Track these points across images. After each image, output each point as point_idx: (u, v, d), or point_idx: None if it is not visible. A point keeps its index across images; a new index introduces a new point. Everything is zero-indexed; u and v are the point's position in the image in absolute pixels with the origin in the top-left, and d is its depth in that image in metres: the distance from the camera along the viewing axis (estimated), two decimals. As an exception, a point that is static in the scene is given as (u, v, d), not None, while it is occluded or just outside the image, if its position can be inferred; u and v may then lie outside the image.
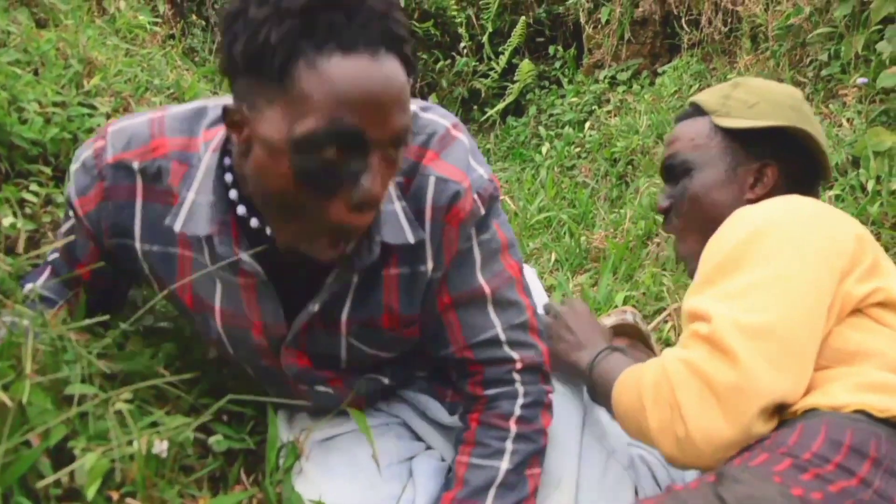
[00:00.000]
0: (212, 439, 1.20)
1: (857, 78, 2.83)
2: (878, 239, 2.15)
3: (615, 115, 4.24)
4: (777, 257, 1.09)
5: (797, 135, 1.35)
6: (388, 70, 0.88)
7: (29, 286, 1.19)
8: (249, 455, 1.31)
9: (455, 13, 5.20)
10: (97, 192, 1.10)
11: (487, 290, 1.18)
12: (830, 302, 1.08)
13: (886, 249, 2.10)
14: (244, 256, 1.04)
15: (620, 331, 1.81)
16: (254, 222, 1.04)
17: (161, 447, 0.99)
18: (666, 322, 2.24)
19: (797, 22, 3.49)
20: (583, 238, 2.96)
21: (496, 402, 1.22)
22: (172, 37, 2.39)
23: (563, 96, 4.77)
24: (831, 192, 2.43)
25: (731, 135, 1.37)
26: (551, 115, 4.67)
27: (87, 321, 1.04)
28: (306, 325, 1.14)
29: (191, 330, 1.37)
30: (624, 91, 4.42)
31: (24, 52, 1.63)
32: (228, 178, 1.04)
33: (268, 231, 1.04)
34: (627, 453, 1.41)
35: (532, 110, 4.85)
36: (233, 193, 1.04)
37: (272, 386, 1.27)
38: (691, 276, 1.41)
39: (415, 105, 1.11)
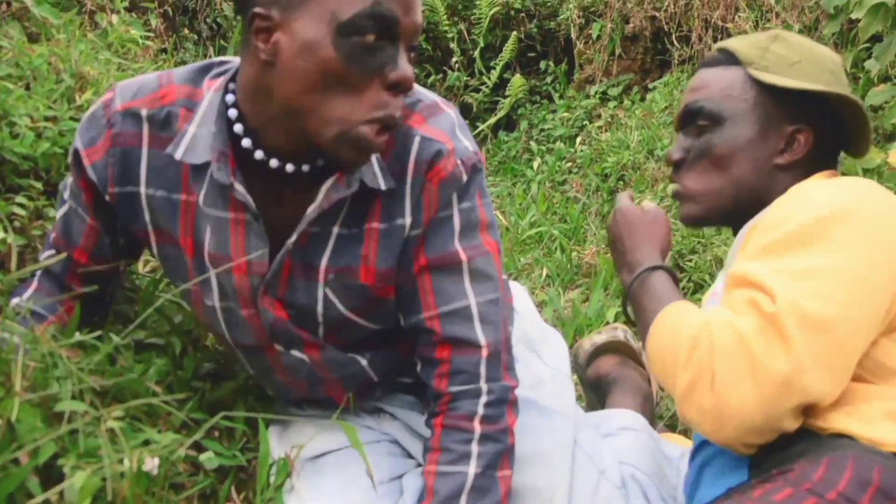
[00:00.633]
0: (202, 456, 1.19)
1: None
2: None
3: (606, 131, 4.25)
4: (852, 248, 1.02)
5: (842, 103, 1.25)
6: None
7: (15, 300, 1.20)
8: (241, 471, 1.30)
9: (447, 28, 5.22)
10: (105, 139, 1.14)
11: (464, 257, 1.17)
12: (888, 308, 1.03)
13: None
14: (237, 185, 1.08)
15: (611, 348, 1.81)
16: (258, 154, 1.08)
17: (152, 464, 0.99)
18: (657, 338, 2.23)
19: (787, 39, 3.51)
20: (574, 253, 2.96)
21: (459, 401, 1.19)
22: (165, 51, 2.40)
23: (554, 111, 4.79)
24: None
25: (768, 91, 1.26)
26: (542, 130, 4.68)
27: (78, 338, 1.04)
28: (287, 267, 1.16)
29: (181, 344, 1.37)
30: (615, 106, 4.44)
31: (16, 66, 1.62)
32: (232, 113, 1.08)
33: (272, 163, 1.08)
34: (619, 472, 1.40)
35: (523, 125, 4.86)
36: (238, 127, 1.08)
37: (250, 355, 1.27)
38: (686, 222, 1.35)
39: None
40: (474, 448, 1.17)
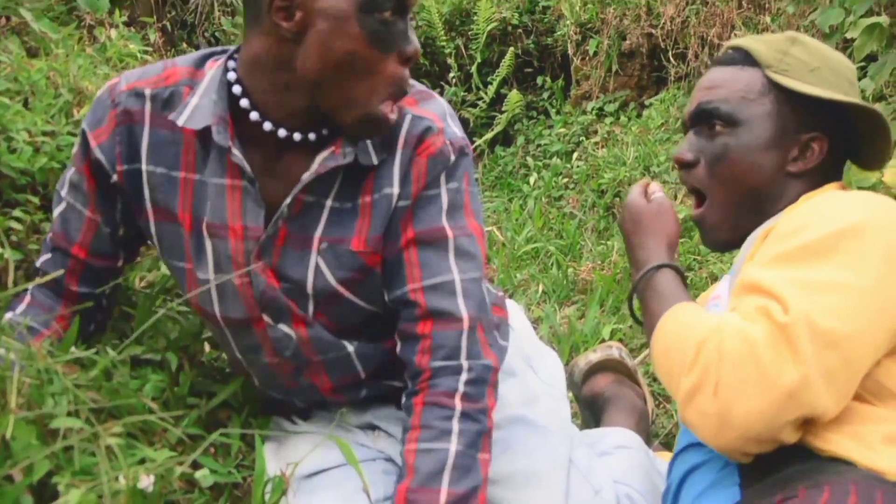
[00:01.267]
0: (198, 474, 1.18)
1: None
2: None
3: (602, 147, 4.26)
4: (867, 265, 1.00)
5: (862, 114, 1.23)
6: None
7: (9, 315, 1.21)
8: (236, 488, 1.30)
9: (444, 43, 5.23)
10: (110, 120, 1.19)
11: (450, 233, 1.20)
12: None
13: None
14: (234, 150, 1.13)
15: (606, 366, 1.82)
16: (267, 125, 1.13)
17: (147, 482, 0.99)
18: (653, 355, 2.24)
19: (782, 57, 3.53)
20: (570, 270, 2.97)
21: (439, 377, 1.19)
22: (163, 65, 2.40)
23: (550, 127, 4.80)
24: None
25: (786, 96, 1.23)
26: (539, 146, 4.69)
27: (75, 354, 1.04)
28: (283, 236, 1.19)
29: (177, 360, 1.37)
30: (611, 122, 4.45)
31: (15, 81, 1.63)
32: (237, 89, 1.13)
33: (280, 133, 1.13)
34: (614, 491, 1.40)
35: (520, 140, 4.87)
36: (244, 102, 1.13)
37: (239, 333, 1.27)
38: (706, 242, 1.33)
39: None
40: (455, 425, 1.17)
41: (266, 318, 1.24)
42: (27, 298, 1.26)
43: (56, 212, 1.27)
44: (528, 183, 4.28)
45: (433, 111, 1.21)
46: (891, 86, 2.85)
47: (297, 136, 1.15)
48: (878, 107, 2.67)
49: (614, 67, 4.63)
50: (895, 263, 1.02)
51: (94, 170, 1.22)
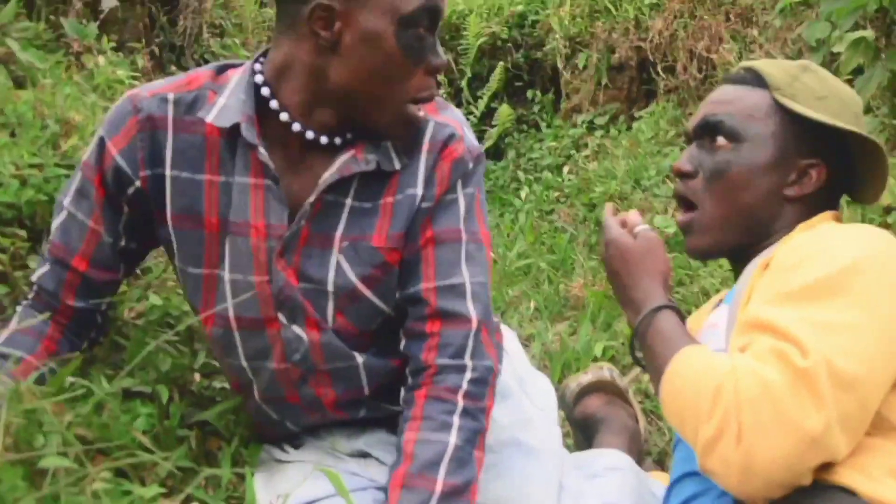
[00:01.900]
0: (187, 510, 1.18)
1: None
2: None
3: (593, 160, 4.27)
4: (876, 303, 1.00)
5: (863, 146, 1.24)
6: None
7: None
8: (226, 522, 1.29)
9: (434, 58, 5.26)
10: (131, 126, 1.20)
11: (465, 236, 1.26)
12: None
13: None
14: (261, 148, 1.16)
15: (598, 387, 1.82)
16: (296, 126, 1.17)
17: (136, 521, 0.98)
18: (645, 372, 2.24)
19: (770, 70, 3.55)
20: (561, 286, 2.97)
21: (444, 374, 1.23)
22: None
23: (541, 140, 4.81)
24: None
25: (791, 120, 1.24)
26: (530, 160, 4.70)
27: (64, 396, 1.04)
28: (305, 236, 1.22)
29: (168, 392, 1.37)
30: (602, 136, 4.46)
31: (1, 113, 1.63)
32: (265, 91, 1.17)
33: (308, 135, 1.18)
34: (605, 517, 1.40)
35: (511, 154, 4.88)
36: (273, 103, 1.17)
37: (249, 335, 1.28)
38: (687, 249, 1.32)
39: None
40: (456, 420, 1.20)
41: (281, 317, 1.25)
42: (13, 320, 1.26)
43: (56, 223, 1.27)
44: (519, 197, 4.29)
45: (454, 119, 1.27)
46: (878, 98, 2.86)
47: (323, 140, 1.20)
48: (867, 120, 2.69)
49: (604, 81, 4.64)
50: None
51: (108, 178, 1.23)
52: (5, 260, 1.44)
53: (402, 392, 1.28)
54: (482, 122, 5.14)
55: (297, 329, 1.26)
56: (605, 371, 1.85)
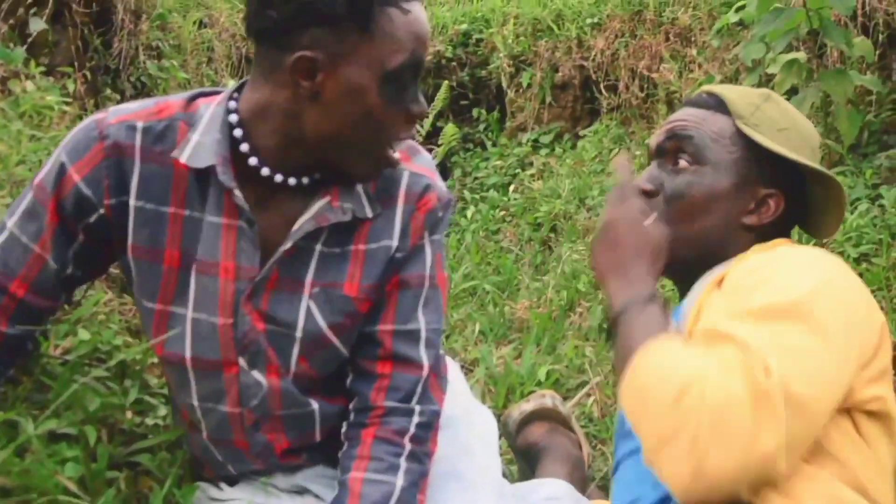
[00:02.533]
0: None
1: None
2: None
3: (538, 179, 4.29)
4: (835, 332, 1.01)
5: (821, 181, 1.25)
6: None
7: None
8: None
9: (379, 77, 5.24)
10: (96, 152, 1.17)
11: (426, 283, 1.27)
12: (845, 392, 1.02)
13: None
14: (237, 191, 1.14)
15: (540, 415, 1.81)
16: (265, 171, 1.16)
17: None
18: (589, 396, 2.24)
19: (709, 90, 3.61)
20: (506, 308, 2.97)
21: (392, 416, 1.24)
22: (85, 115, 2.35)
23: (487, 159, 4.81)
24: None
25: (752, 148, 1.24)
26: (476, 179, 4.70)
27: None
28: (274, 279, 1.20)
29: (96, 433, 1.32)
30: (546, 154, 4.48)
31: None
32: (238, 132, 1.15)
33: (277, 178, 1.17)
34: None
35: (457, 173, 4.88)
36: (244, 146, 1.16)
37: (205, 376, 1.25)
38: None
39: None
40: (403, 463, 1.22)
41: (242, 361, 1.23)
42: None
43: None
44: (465, 216, 4.28)
45: (426, 166, 1.28)
46: (811, 118, 2.92)
47: (292, 181, 1.18)
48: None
49: (548, 99, 4.67)
50: (852, 329, 1.03)
51: (66, 204, 1.18)
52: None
53: (345, 427, 1.27)
54: (428, 141, 5.13)
55: (256, 374, 1.24)
56: (548, 399, 1.85)
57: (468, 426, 1.52)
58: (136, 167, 1.18)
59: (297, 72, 1.09)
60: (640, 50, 4.17)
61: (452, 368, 1.62)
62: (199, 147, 1.15)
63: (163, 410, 1.50)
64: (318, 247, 1.22)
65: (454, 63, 5.28)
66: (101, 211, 1.19)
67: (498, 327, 2.83)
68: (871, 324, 1.07)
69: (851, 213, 2.60)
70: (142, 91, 3.05)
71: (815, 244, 1.93)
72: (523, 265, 3.47)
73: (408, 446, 1.23)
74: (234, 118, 1.17)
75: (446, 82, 5.11)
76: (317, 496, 1.37)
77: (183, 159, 1.15)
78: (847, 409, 1.05)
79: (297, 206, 1.20)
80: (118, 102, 2.99)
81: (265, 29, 1.10)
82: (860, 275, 2.07)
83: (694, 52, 3.85)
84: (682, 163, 1.26)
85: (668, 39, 4.06)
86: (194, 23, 3.65)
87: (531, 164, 4.50)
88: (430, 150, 5.06)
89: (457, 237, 4.06)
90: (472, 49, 5.27)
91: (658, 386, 0.99)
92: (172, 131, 1.18)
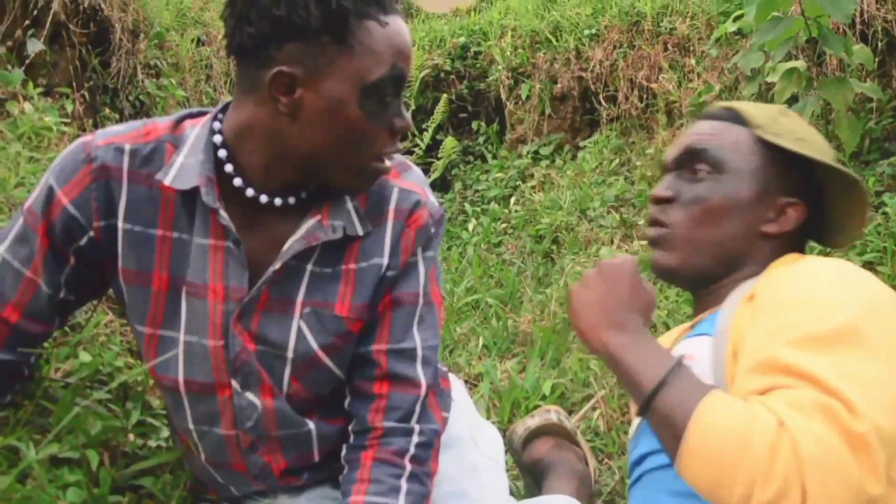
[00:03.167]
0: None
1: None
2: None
3: (539, 191, 4.29)
4: (889, 349, 0.97)
5: (845, 187, 1.23)
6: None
7: None
8: None
9: (378, 91, 5.24)
10: (84, 175, 1.15)
11: (421, 301, 1.25)
12: None
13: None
14: (222, 211, 1.13)
15: (546, 431, 1.80)
16: (249, 192, 1.15)
17: None
18: (594, 410, 2.23)
19: (709, 99, 3.61)
20: (510, 321, 2.95)
21: (391, 437, 1.22)
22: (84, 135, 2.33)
23: (487, 171, 4.82)
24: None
25: (773, 157, 1.23)
26: (476, 191, 4.70)
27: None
28: (264, 299, 1.19)
29: (98, 457, 1.31)
30: (547, 166, 4.48)
31: (-81, 169, 1.56)
32: (222, 153, 1.15)
33: (248, 192, 1.15)
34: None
35: (458, 186, 4.88)
36: (228, 167, 1.14)
37: (199, 399, 1.24)
38: (653, 265, 1.28)
39: None
40: (404, 484, 1.19)
41: (235, 384, 1.21)
42: None
43: None
44: (466, 229, 4.28)
45: (416, 183, 1.26)
46: (812, 126, 2.92)
47: (277, 202, 1.17)
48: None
49: (547, 111, 4.68)
50: None
51: (57, 228, 1.17)
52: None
53: (344, 450, 1.25)
54: (428, 155, 5.14)
55: (250, 395, 1.23)
56: (553, 414, 1.83)
57: (474, 445, 1.51)
58: (124, 189, 1.17)
59: (275, 88, 1.08)
60: (639, 60, 4.18)
61: (457, 386, 1.61)
62: (183, 169, 1.14)
63: (165, 432, 1.49)
64: (310, 266, 1.21)
65: (453, 76, 5.30)
66: (91, 233, 1.18)
67: (502, 341, 2.81)
68: None
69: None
70: (140, 110, 3.05)
71: (819, 253, 1.91)
72: (526, 278, 3.46)
73: (408, 467, 1.21)
74: (218, 139, 1.16)
75: (445, 95, 5.12)
76: (321, 517, 1.36)
77: (167, 181, 1.14)
78: None
79: (287, 225, 1.19)
80: (117, 121, 3.00)
81: (243, 46, 1.09)
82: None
83: (693, 61, 3.85)
84: (701, 172, 1.25)
85: (666, 49, 4.07)
86: (192, 41, 3.65)
87: (532, 175, 4.50)
88: (430, 164, 5.07)
89: (458, 250, 4.05)
90: (471, 62, 5.29)
91: (738, 455, 0.91)
92: (160, 153, 1.17)
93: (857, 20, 3.07)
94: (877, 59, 2.94)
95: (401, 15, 1.13)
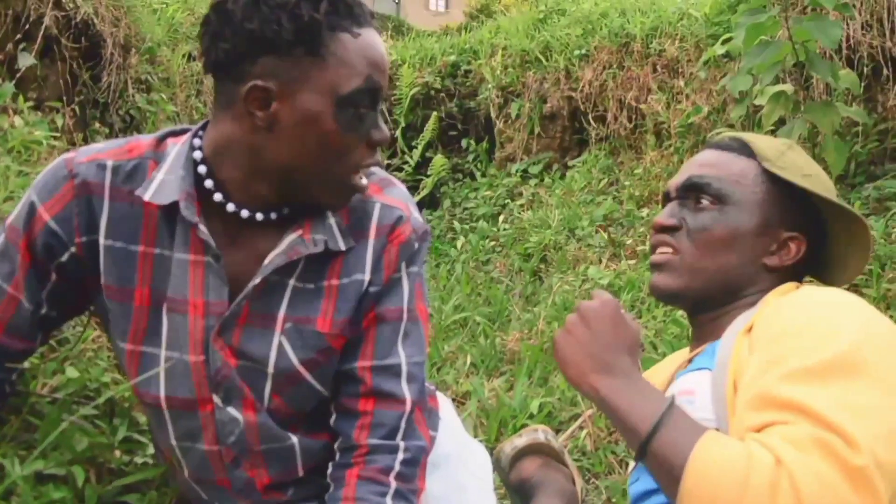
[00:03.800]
0: None
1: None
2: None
3: (528, 209, 4.30)
4: (888, 376, 0.96)
5: (848, 223, 1.24)
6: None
7: None
8: None
9: (368, 108, 5.26)
10: (66, 191, 1.14)
11: (405, 317, 1.24)
12: None
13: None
14: (201, 225, 1.12)
15: (533, 450, 1.79)
16: (230, 207, 1.14)
17: None
18: (582, 429, 2.23)
19: (697, 120, 3.64)
20: (497, 339, 2.96)
21: (376, 454, 1.20)
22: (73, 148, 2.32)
23: (476, 189, 4.83)
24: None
25: (777, 191, 1.24)
26: (465, 209, 4.72)
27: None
28: (245, 314, 1.17)
29: (83, 474, 1.31)
30: (536, 184, 4.50)
31: None
32: (202, 169, 1.14)
33: (242, 213, 1.15)
34: None
35: (447, 203, 4.89)
36: (208, 182, 1.14)
37: (181, 416, 1.22)
38: (654, 287, 1.28)
39: None
40: (389, 502, 1.17)
41: (216, 399, 1.20)
42: None
43: None
44: (455, 247, 4.28)
45: (399, 199, 1.25)
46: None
47: (259, 217, 1.17)
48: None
49: (536, 129, 4.71)
50: None
51: (38, 244, 1.16)
52: None
53: (330, 468, 1.25)
54: (417, 172, 5.15)
55: (232, 410, 1.21)
56: (540, 433, 1.83)
57: (462, 464, 1.50)
58: (106, 206, 1.16)
59: (251, 102, 1.08)
60: (628, 81, 4.21)
61: (445, 405, 1.61)
62: (163, 185, 1.14)
63: (151, 449, 1.48)
64: (292, 282, 1.20)
65: (443, 94, 5.32)
66: (73, 249, 1.17)
67: (489, 359, 2.81)
68: None
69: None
70: (131, 124, 3.05)
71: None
72: (514, 296, 3.47)
73: (393, 485, 1.19)
74: (198, 155, 1.16)
75: (435, 113, 5.14)
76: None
77: (147, 196, 1.13)
78: None
79: (269, 241, 1.18)
80: (107, 136, 2.99)
81: (219, 62, 1.09)
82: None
83: (681, 83, 3.88)
84: (705, 202, 1.25)
85: (655, 71, 4.10)
86: (183, 56, 3.65)
87: (520, 194, 4.52)
88: (419, 181, 5.09)
89: (447, 268, 4.06)
90: (461, 80, 5.32)
91: (738, 490, 0.90)
92: (142, 170, 1.17)
93: (844, 45, 3.11)
94: (862, 84, 2.96)
95: (374, 27, 1.14)
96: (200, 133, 1.19)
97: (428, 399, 1.31)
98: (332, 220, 1.20)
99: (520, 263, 3.75)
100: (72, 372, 1.52)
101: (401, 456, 1.21)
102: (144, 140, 1.21)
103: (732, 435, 1.01)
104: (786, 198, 1.25)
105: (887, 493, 0.89)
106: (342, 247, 1.20)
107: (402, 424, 1.22)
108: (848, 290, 2.03)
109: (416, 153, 5.13)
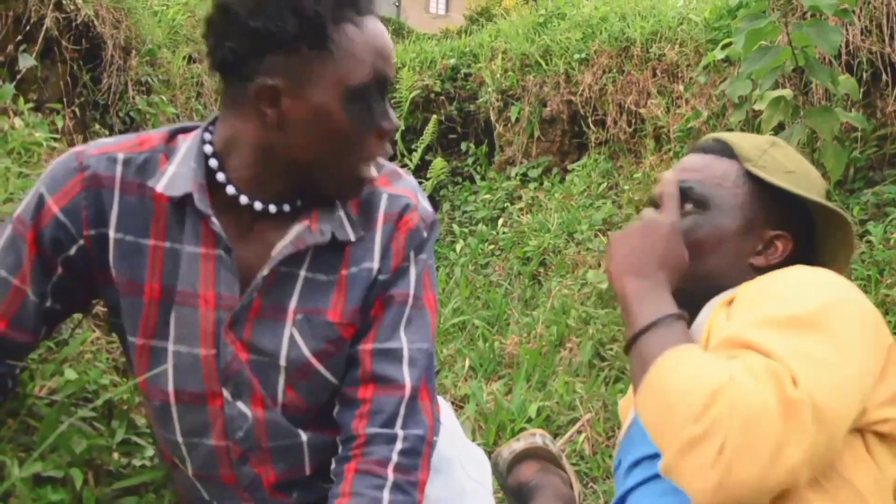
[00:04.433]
0: None
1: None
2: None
3: (527, 213, 4.30)
4: (854, 345, 1.00)
5: (831, 221, 1.26)
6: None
7: None
8: None
9: (368, 111, 5.26)
10: (76, 183, 1.15)
11: (410, 302, 1.24)
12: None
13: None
14: (213, 218, 1.13)
15: (531, 454, 1.80)
16: (243, 199, 1.15)
17: None
18: (580, 433, 2.23)
19: (696, 125, 3.64)
20: (496, 343, 2.96)
21: (373, 445, 1.18)
22: (73, 150, 2.32)
23: (475, 193, 4.84)
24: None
25: (759, 191, 1.26)
26: (465, 212, 4.72)
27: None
28: (257, 307, 1.18)
29: (82, 476, 1.31)
30: (535, 188, 4.50)
31: None
32: (213, 162, 1.15)
33: (242, 200, 1.15)
34: None
35: (446, 207, 4.89)
36: (213, 162, 1.15)
37: (189, 411, 1.22)
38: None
39: None
40: (386, 495, 1.15)
41: (226, 393, 1.20)
42: None
43: None
44: (454, 250, 4.29)
45: (407, 188, 1.26)
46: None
47: (272, 209, 1.18)
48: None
49: (536, 133, 4.71)
50: (868, 344, 1.02)
51: (45, 236, 1.16)
52: None
53: (333, 464, 1.24)
54: (416, 175, 5.14)
55: (241, 405, 1.21)
56: (538, 437, 1.83)
57: (462, 468, 1.50)
58: (116, 199, 1.17)
59: (260, 100, 1.09)
60: (628, 85, 4.21)
61: (445, 409, 1.61)
62: (175, 177, 1.15)
63: (150, 451, 1.48)
64: (303, 272, 1.20)
65: (443, 97, 5.32)
66: (81, 242, 1.18)
67: (488, 363, 2.82)
68: (881, 342, 1.06)
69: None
70: (131, 126, 3.05)
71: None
72: (513, 299, 3.47)
73: (391, 477, 1.16)
74: (208, 149, 1.17)
75: (435, 116, 5.14)
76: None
77: (159, 188, 1.14)
78: (859, 430, 1.04)
79: (279, 232, 1.18)
80: (107, 137, 2.98)
81: (225, 62, 1.10)
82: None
83: (681, 87, 3.89)
84: (688, 207, 1.27)
85: (655, 75, 4.10)
86: (183, 58, 3.65)
87: (520, 197, 4.52)
88: (419, 184, 5.08)
89: (446, 271, 4.06)
90: (461, 83, 5.32)
91: (684, 392, 0.96)
92: (153, 163, 1.17)
93: (843, 51, 3.11)
94: (862, 90, 2.97)
95: (377, 16, 1.14)
96: (210, 128, 1.20)
97: (435, 385, 1.29)
98: (340, 211, 1.21)
99: (519, 267, 3.75)
100: (70, 373, 1.52)
101: (399, 445, 1.19)
102: (155, 134, 1.22)
103: None
104: (769, 197, 1.26)
105: (820, 436, 0.92)
106: (351, 237, 1.20)
107: (402, 410, 1.20)
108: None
109: (416, 156, 5.13)
